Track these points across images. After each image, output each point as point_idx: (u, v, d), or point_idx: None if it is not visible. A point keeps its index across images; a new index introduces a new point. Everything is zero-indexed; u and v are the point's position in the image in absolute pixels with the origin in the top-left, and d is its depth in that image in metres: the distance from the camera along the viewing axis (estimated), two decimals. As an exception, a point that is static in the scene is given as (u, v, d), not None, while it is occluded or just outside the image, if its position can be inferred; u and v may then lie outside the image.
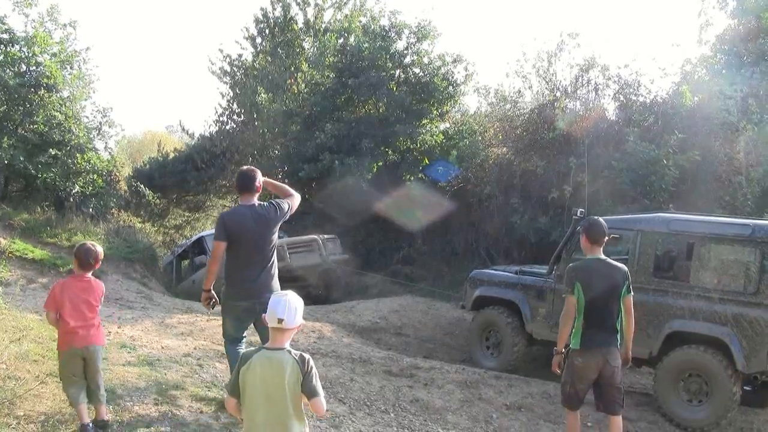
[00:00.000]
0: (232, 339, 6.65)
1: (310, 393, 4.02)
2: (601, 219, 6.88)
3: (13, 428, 5.37)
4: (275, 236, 6.60)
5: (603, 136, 15.05)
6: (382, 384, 8.66)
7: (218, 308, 6.71)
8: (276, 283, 6.62)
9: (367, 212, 17.61)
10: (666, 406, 8.65)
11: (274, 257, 6.63)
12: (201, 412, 6.32)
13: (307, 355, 4.11)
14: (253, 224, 6.40)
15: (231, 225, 6.39)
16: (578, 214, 8.54)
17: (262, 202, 6.58)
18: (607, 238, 6.59)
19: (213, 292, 6.51)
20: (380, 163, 18.14)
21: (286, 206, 6.66)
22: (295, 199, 6.86)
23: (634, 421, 8.64)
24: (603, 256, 6.57)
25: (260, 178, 6.58)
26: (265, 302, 6.25)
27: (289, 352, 4.08)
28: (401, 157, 18.78)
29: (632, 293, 6.56)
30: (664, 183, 13.27)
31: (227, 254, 6.48)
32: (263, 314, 5.56)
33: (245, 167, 6.84)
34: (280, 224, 6.64)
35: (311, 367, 4.07)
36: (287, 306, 4.08)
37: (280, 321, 4.04)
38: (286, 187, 7.02)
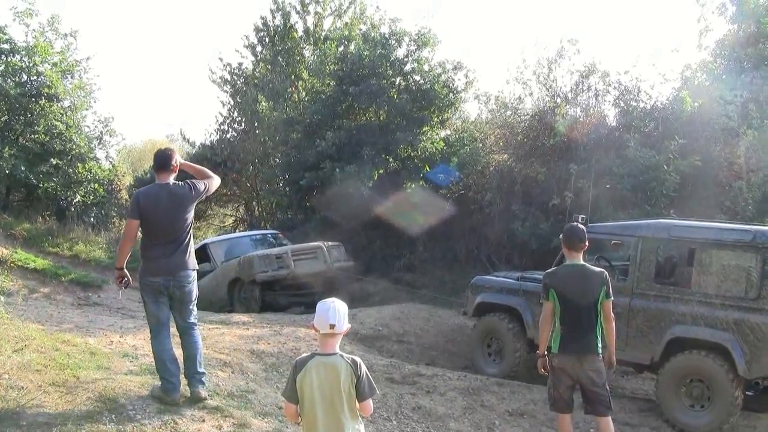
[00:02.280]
0: (155, 325, 6.67)
1: (362, 395, 4.29)
2: (580, 225, 6.98)
3: (16, 438, 5.39)
4: (191, 215, 6.73)
5: (603, 142, 15.05)
6: (384, 391, 8.66)
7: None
8: (192, 261, 6.75)
9: (369, 220, 17.62)
10: (668, 412, 8.65)
11: (190, 236, 6.74)
12: (203, 421, 6.32)
13: (358, 359, 4.37)
14: (166, 202, 6.52)
15: (144, 203, 6.52)
16: (579, 220, 8.56)
17: (177, 182, 6.69)
18: (584, 244, 6.65)
19: (126, 270, 6.62)
20: (381, 171, 18.14)
21: (202, 186, 6.79)
22: (214, 181, 7.00)
23: (637, 426, 8.65)
24: (581, 262, 6.67)
25: (177, 159, 6.74)
26: (179, 280, 6.48)
27: (341, 356, 4.32)
28: (402, 164, 18.78)
29: (611, 298, 6.60)
30: (665, 189, 13.28)
31: (142, 232, 6.64)
32: (178, 294, 6.28)
33: (162, 147, 7.13)
34: (195, 203, 6.77)
35: (364, 371, 4.32)
36: (336, 312, 4.29)
37: (332, 326, 4.26)
38: (206, 170, 7.13)
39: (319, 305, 4.35)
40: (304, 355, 4.43)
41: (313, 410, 4.24)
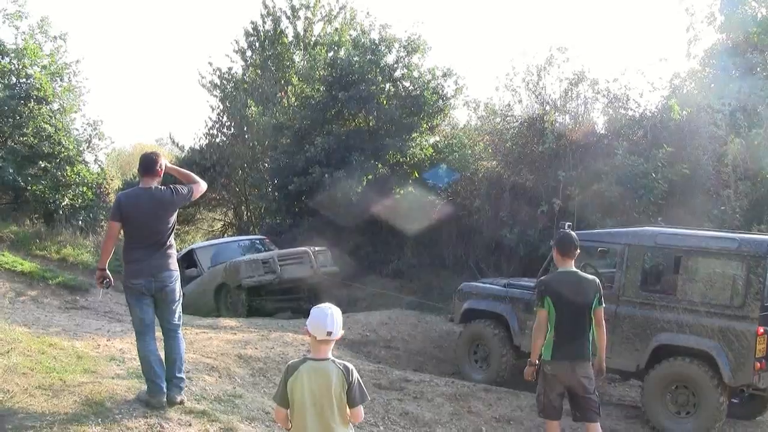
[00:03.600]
0: (140, 327, 6.69)
1: (353, 402, 4.32)
2: (572, 232, 7.02)
3: (2, 441, 5.37)
4: (173, 219, 6.76)
5: (592, 150, 15.10)
6: (371, 397, 8.64)
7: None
8: (174, 263, 6.77)
9: (357, 225, 17.64)
10: (654, 419, 8.69)
11: (172, 239, 6.78)
12: (190, 425, 6.31)
13: (350, 365, 4.40)
14: (147, 206, 6.56)
15: (125, 206, 6.60)
16: (565, 228, 8.59)
17: (159, 186, 6.70)
18: (577, 251, 6.69)
19: (107, 271, 6.64)
20: (370, 177, 18.12)
21: (185, 191, 6.82)
22: (199, 186, 6.98)
23: (623, 433, 8.69)
24: (574, 269, 6.70)
25: (162, 163, 6.77)
26: (162, 280, 6.51)
27: (333, 361, 4.35)
28: (391, 170, 18.76)
29: (603, 305, 6.68)
30: (653, 196, 13.33)
31: (124, 235, 6.69)
32: (162, 295, 6.41)
33: (148, 151, 7.10)
34: (178, 207, 6.80)
35: (356, 378, 4.35)
36: (333, 319, 4.31)
37: (329, 333, 4.29)
38: (192, 174, 7.11)
39: (316, 311, 4.35)
40: (297, 359, 4.46)
41: (303, 414, 4.25)
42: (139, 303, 6.65)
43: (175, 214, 6.81)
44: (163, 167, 6.77)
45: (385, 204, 17.46)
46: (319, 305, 4.41)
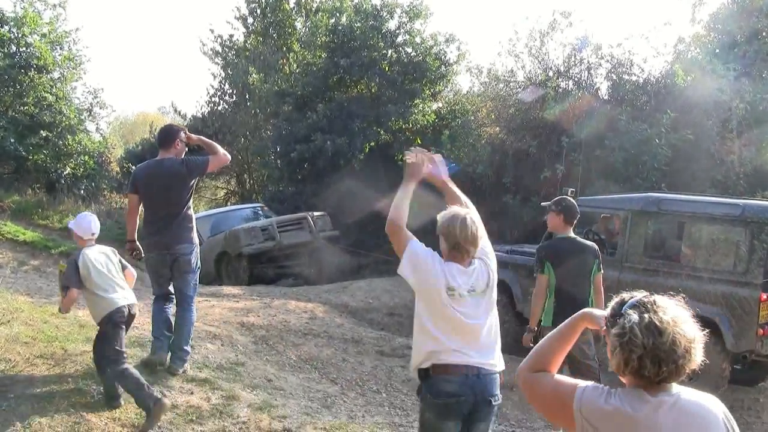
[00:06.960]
0: (156, 293, 6.91)
1: (125, 267, 6.04)
2: (571, 198, 6.98)
3: (4, 410, 5.37)
4: (186, 191, 6.73)
5: (596, 116, 15.02)
6: (374, 364, 8.69)
7: None
8: (190, 235, 6.80)
9: (360, 192, 17.60)
10: (656, 384, 8.66)
11: (188, 211, 6.78)
12: (192, 393, 6.32)
13: None
14: (157, 178, 6.61)
15: (139, 178, 6.73)
16: (568, 194, 8.54)
17: (172, 157, 6.68)
18: (577, 217, 6.67)
19: (137, 243, 6.83)
20: (372, 144, 18.10)
21: (200, 161, 6.79)
22: (218, 158, 6.88)
23: (625, 400, 8.68)
24: (573, 235, 6.70)
25: (182, 135, 6.78)
26: (174, 252, 6.63)
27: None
28: (393, 137, 18.74)
29: (602, 271, 6.70)
30: (657, 162, 13.26)
31: (143, 207, 6.82)
32: (176, 265, 6.73)
33: (167, 124, 7.35)
34: (192, 178, 6.77)
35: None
36: (97, 222, 5.96)
37: (93, 234, 5.91)
38: (215, 145, 7.00)
39: (82, 219, 5.92)
40: (71, 255, 5.88)
41: (104, 280, 5.71)
42: (155, 274, 6.80)
43: (190, 186, 6.77)
44: (184, 139, 6.77)
45: (388, 170, 17.41)
46: (82, 214, 6.03)
